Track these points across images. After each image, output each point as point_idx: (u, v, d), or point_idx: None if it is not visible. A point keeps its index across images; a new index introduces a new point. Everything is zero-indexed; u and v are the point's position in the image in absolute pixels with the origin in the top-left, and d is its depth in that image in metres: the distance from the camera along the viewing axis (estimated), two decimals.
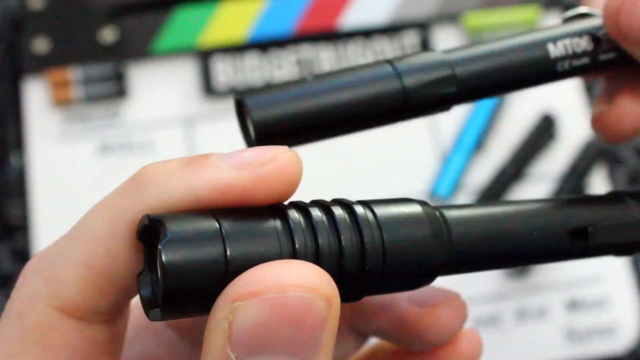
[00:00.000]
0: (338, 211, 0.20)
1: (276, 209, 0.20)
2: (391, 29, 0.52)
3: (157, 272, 0.19)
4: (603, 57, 0.28)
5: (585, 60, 0.27)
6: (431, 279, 0.22)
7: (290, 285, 0.18)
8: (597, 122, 0.29)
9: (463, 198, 0.48)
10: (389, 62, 0.26)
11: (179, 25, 0.52)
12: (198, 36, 0.51)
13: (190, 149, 0.49)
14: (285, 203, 0.21)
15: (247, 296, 0.18)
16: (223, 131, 0.50)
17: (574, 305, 0.47)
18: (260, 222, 0.19)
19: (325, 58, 0.51)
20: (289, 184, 0.20)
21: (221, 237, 0.19)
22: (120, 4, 0.52)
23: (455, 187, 0.48)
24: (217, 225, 0.19)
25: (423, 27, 0.52)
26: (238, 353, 0.18)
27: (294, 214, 0.20)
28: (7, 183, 0.49)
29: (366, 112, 0.25)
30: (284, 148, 0.20)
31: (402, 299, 0.26)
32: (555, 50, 0.27)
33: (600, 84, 0.30)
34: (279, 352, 0.18)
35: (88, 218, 0.20)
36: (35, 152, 0.49)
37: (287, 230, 0.19)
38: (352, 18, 0.52)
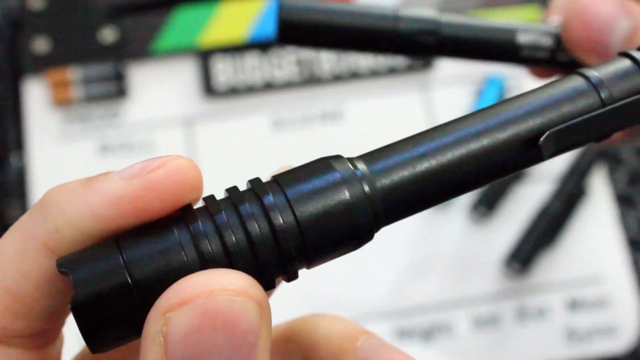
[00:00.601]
0: (243, 203, 0.20)
1: (179, 217, 0.20)
2: None
3: None
4: (561, 57, 0.33)
5: (544, 54, 0.33)
6: (368, 237, 0.21)
7: (219, 290, 0.18)
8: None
9: (463, 198, 0.48)
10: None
11: (179, 25, 0.52)
12: (198, 36, 0.51)
13: (190, 149, 0.49)
14: (197, 206, 0.21)
15: (177, 305, 0.18)
16: (223, 131, 0.50)
17: (574, 305, 0.47)
18: (163, 237, 0.20)
19: (325, 58, 0.51)
20: (184, 188, 0.20)
21: (124, 266, 0.19)
22: (120, 4, 0.52)
23: None
24: (119, 254, 0.19)
25: None
26: None
27: (195, 220, 0.20)
28: (7, 183, 0.49)
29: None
30: (175, 155, 0.20)
31: None
32: (524, 37, 0.33)
33: None
34: None
35: (1, 241, 0.21)
36: (35, 152, 0.49)
37: (190, 239, 0.19)
38: None
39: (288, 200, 0.20)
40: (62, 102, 0.50)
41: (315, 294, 0.46)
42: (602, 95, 0.22)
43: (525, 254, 0.47)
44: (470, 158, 0.21)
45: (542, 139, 0.21)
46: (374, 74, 0.51)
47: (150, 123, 0.50)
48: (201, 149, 0.49)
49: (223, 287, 0.18)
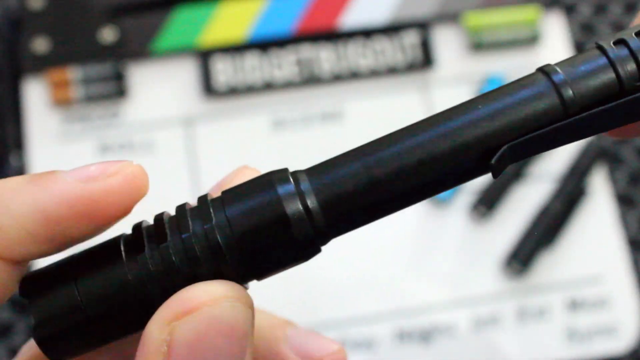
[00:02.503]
0: (186, 228, 0.21)
1: (131, 241, 0.21)
2: (391, 29, 0.52)
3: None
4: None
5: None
6: (312, 250, 0.21)
7: (223, 297, 0.19)
8: None
9: (463, 198, 0.48)
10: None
11: (179, 25, 0.52)
12: (198, 36, 0.51)
13: (190, 149, 0.49)
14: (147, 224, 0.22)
15: (183, 314, 0.19)
16: (223, 131, 0.50)
17: (574, 305, 0.47)
18: (115, 272, 0.21)
19: (325, 58, 0.51)
20: (135, 195, 0.21)
21: (80, 306, 0.21)
22: (120, 4, 0.52)
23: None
24: (75, 291, 0.21)
25: (423, 27, 0.52)
26: None
27: (141, 248, 0.21)
28: None
29: None
30: (129, 162, 0.21)
31: (287, 349, 0.26)
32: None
33: None
34: None
35: None
36: (35, 152, 0.49)
37: (139, 271, 0.21)
38: (352, 18, 0.52)
39: (228, 220, 0.20)
40: (61, 102, 0.50)
41: (314, 294, 0.46)
42: (565, 97, 0.20)
43: (525, 254, 0.46)
44: (415, 170, 0.21)
45: (493, 160, 0.20)
46: (374, 74, 0.51)
47: (150, 123, 0.50)
48: (201, 149, 0.49)
49: (226, 294, 0.19)
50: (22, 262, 0.21)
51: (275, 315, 0.27)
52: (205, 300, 0.19)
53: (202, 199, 0.21)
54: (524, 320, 0.46)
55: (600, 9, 0.53)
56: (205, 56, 0.51)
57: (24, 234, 0.20)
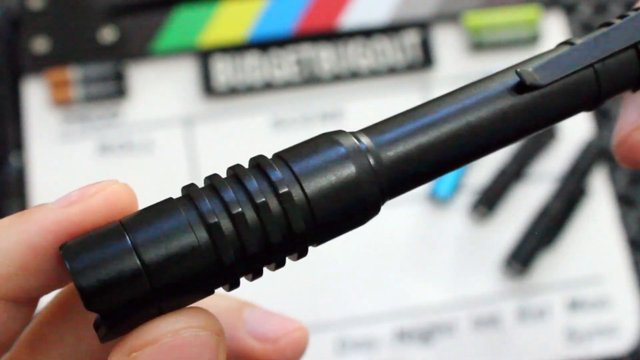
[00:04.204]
0: (250, 180, 0.19)
1: (185, 197, 0.20)
2: (391, 29, 0.52)
3: None
4: None
5: None
6: (374, 211, 0.21)
7: (185, 328, 0.19)
8: (624, 145, 0.26)
9: (463, 198, 0.48)
10: None
11: (179, 25, 0.52)
12: (198, 36, 0.51)
13: (190, 149, 0.49)
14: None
15: (143, 346, 0.19)
16: (223, 131, 0.50)
17: (574, 306, 0.47)
18: (170, 217, 0.19)
19: (325, 58, 0.51)
20: (121, 213, 0.20)
21: (133, 250, 0.19)
22: (120, 4, 0.52)
23: (456, 187, 0.48)
24: (127, 238, 0.19)
25: (423, 27, 0.52)
26: None
27: (205, 203, 0.19)
28: (7, 183, 0.49)
29: None
30: (113, 180, 0.21)
31: (244, 332, 0.26)
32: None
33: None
34: None
35: None
36: (34, 152, 0.49)
37: (199, 219, 0.19)
38: (352, 18, 0.52)
39: (295, 176, 0.20)
40: (61, 102, 0.50)
41: (314, 294, 0.46)
42: None
43: (525, 254, 0.46)
44: (473, 127, 0.21)
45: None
46: (374, 74, 0.51)
47: (150, 123, 0.50)
48: (201, 149, 0.49)
49: (189, 324, 0.19)
50: (22, 300, 0.20)
51: (235, 298, 0.26)
52: (165, 332, 0.19)
53: (261, 158, 0.20)
54: (524, 320, 0.46)
55: (600, 9, 0.53)
56: (205, 56, 0.51)
57: (15, 267, 0.20)
